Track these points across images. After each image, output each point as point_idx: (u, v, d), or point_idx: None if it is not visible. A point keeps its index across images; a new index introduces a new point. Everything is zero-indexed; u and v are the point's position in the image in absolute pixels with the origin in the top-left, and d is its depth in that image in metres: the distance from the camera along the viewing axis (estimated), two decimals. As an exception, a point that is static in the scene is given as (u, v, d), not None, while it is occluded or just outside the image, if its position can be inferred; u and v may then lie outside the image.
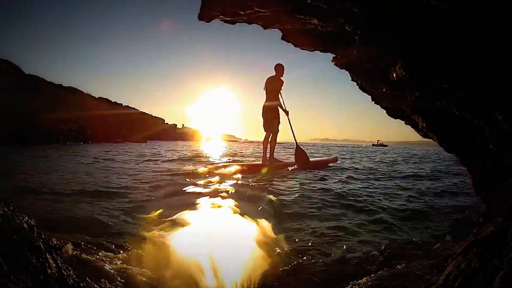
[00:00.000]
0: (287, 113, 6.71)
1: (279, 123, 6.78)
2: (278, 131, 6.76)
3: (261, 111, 6.62)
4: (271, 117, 6.75)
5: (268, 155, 6.80)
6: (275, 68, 6.81)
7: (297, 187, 5.03)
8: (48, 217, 3.13)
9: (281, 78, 6.71)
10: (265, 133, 6.86)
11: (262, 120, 6.65)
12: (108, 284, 1.67)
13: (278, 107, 6.68)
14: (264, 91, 6.79)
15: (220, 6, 1.68)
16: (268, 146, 6.76)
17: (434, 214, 4.17)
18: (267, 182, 5.35)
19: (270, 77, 6.74)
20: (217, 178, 5.51)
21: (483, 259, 1.24)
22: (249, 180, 5.36)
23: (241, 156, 14.35)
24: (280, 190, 4.76)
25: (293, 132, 7.01)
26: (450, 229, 3.49)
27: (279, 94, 6.66)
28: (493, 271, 1.14)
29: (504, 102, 1.17)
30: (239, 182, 5.12)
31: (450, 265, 1.43)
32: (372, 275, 1.98)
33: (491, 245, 1.29)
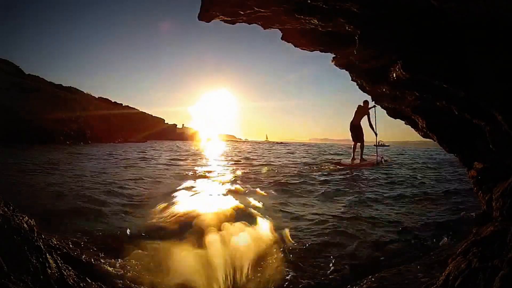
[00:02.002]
0: (376, 135, 10.61)
1: (363, 135, 10.51)
2: (364, 140, 10.61)
3: (349, 127, 10.37)
4: (359, 132, 10.35)
5: (356, 157, 10.42)
6: (363, 102, 10.17)
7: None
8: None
9: (368, 109, 10.24)
10: (353, 142, 10.68)
11: (351, 133, 10.35)
12: (107, 285, 1.67)
13: (363, 125, 10.61)
14: (353, 113, 10.41)
15: (220, 6, 1.67)
16: (357, 151, 10.61)
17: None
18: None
19: (360, 105, 10.26)
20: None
21: (483, 259, 1.24)
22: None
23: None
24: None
25: (376, 138, 11.19)
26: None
27: (368, 116, 10.34)
28: (493, 271, 1.14)
29: (504, 102, 1.17)
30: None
31: (450, 265, 1.43)
32: (373, 275, 1.98)
33: (491, 245, 1.29)
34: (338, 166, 9.65)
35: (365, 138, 10.53)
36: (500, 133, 1.33)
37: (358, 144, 10.51)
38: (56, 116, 21.22)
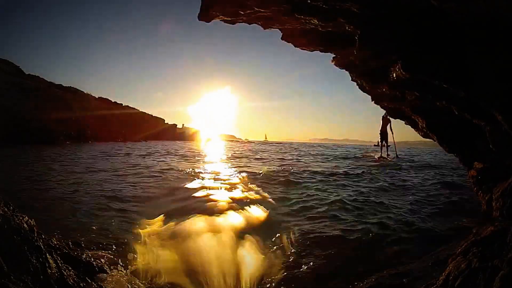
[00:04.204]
0: (392, 132, 14.68)
1: (388, 138, 14.83)
2: (388, 141, 15.17)
3: (379, 132, 14.52)
4: (385, 136, 14.40)
5: (382, 153, 14.76)
6: (385, 113, 13.69)
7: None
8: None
9: (389, 118, 13.30)
10: (380, 141, 15.03)
11: (380, 137, 14.58)
12: (107, 284, 1.67)
13: (388, 130, 14.57)
14: (381, 122, 14.51)
15: (220, 6, 1.67)
16: (384, 148, 15.09)
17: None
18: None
19: (383, 116, 13.86)
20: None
21: (483, 259, 1.24)
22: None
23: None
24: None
25: (394, 141, 15.26)
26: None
27: (389, 124, 14.35)
28: (493, 271, 1.14)
29: (504, 102, 1.17)
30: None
31: (450, 265, 1.43)
32: (373, 275, 1.98)
33: (491, 245, 1.29)
34: (377, 158, 14.23)
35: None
36: (500, 133, 1.33)
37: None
38: (56, 116, 21.18)
